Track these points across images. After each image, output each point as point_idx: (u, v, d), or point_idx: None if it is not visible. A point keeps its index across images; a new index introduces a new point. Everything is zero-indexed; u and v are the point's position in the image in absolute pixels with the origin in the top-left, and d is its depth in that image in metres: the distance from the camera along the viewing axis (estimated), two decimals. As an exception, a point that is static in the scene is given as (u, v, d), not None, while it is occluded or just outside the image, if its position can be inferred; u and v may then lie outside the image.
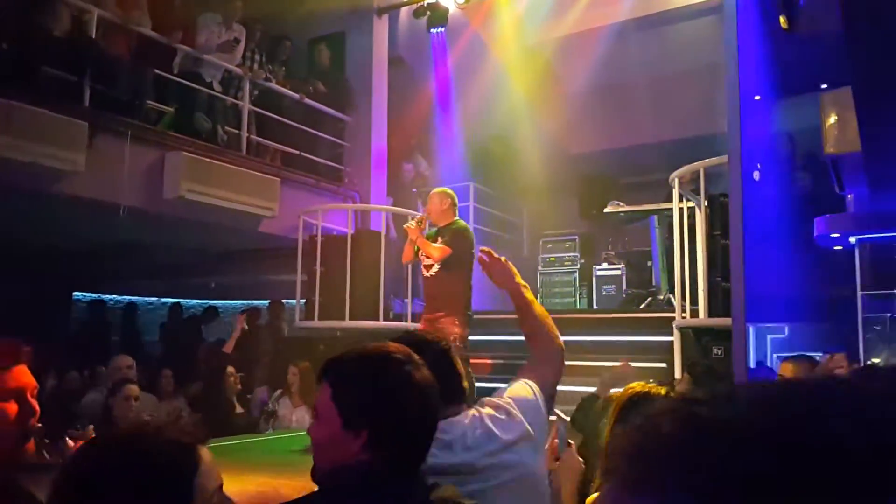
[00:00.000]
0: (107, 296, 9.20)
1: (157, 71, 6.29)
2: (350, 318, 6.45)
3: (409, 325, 6.77)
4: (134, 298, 9.39)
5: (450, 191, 5.39)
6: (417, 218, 5.35)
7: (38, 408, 1.52)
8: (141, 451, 1.02)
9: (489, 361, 6.30)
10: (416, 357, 1.40)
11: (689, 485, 0.33)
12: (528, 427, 1.83)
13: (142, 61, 6.18)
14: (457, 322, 4.97)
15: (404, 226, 5.35)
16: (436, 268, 5.10)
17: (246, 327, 6.21)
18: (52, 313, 8.02)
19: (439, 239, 5.14)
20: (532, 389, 1.96)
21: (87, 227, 6.68)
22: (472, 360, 5.12)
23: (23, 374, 1.52)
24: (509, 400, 1.88)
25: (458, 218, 5.27)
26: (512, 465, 1.76)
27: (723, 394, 0.39)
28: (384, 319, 6.75)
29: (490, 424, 1.78)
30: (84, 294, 9.01)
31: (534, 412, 1.89)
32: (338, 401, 1.33)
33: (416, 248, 5.22)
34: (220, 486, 1.08)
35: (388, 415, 1.32)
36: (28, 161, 4.98)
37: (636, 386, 2.54)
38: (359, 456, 1.31)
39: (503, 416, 1.82)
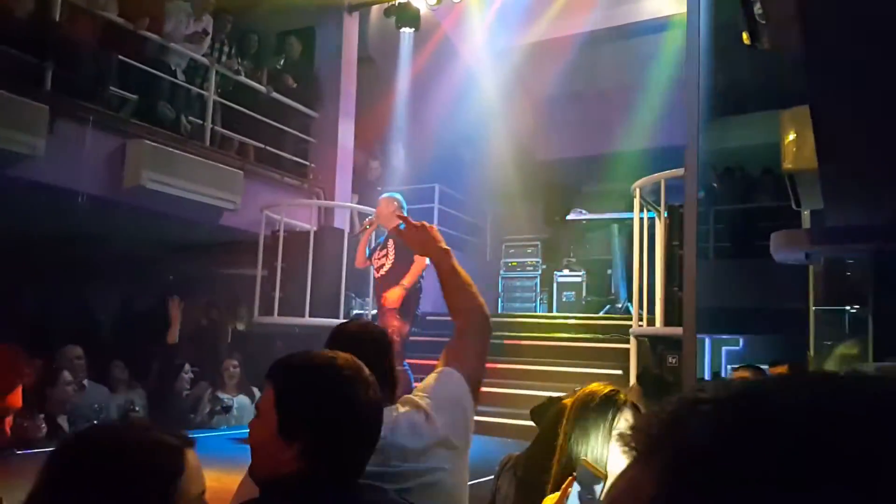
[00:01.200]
0: (57, 286, 8.98)
1: (121, 57, 6.17)
2: (310, 315, 6.41)
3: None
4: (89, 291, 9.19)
5: (397, 195, 5.64)
6: (367, 221, 5.67)
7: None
8: (122, 449, 1.01)
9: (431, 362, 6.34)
10: (366, 373, 1.37)
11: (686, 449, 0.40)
12: (446, 433, 1.76)
13: (106, 47, 6.06)
14: (397, 316, 5.13)
15: (358, 231, 5.77)
16: (387, 267, 5.36)
17: (179, 315, 6.11)
18: (3, 306, 7.80)
19: (390, 242, 5.38)
20: (457, 383, 1.86)
21: (44, 213, 6.51)
22: (409, 361, 5.18)
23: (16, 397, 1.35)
24: (429, 401, 1.80)
25: None
26: (423, 471, 1.70)
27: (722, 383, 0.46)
28: (344, 317, 6.72)
29: (404, 428, 1.72)
30: (37, 286, 8.78)
31: (455, 412, 1.81)
32: (279, 407, 1.30)
33: (367, 251, 5.57)
34: (203, 492, 1.07)
35: (328, 432, 1.29)
36: (-16, 143, 4.85)
37: (593, 387, 2.63)
38: (292, 464, 1.28)
39: (420, 420, 1.75)
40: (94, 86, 5.81)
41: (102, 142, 5.85)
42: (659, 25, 8.26)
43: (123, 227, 7.19)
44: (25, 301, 8.24)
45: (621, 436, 0.45)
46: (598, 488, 1.70)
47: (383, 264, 5.44)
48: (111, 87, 6.08)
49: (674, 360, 4.67)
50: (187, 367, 6.18)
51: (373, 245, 5.74)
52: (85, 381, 5.75)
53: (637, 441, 0.43)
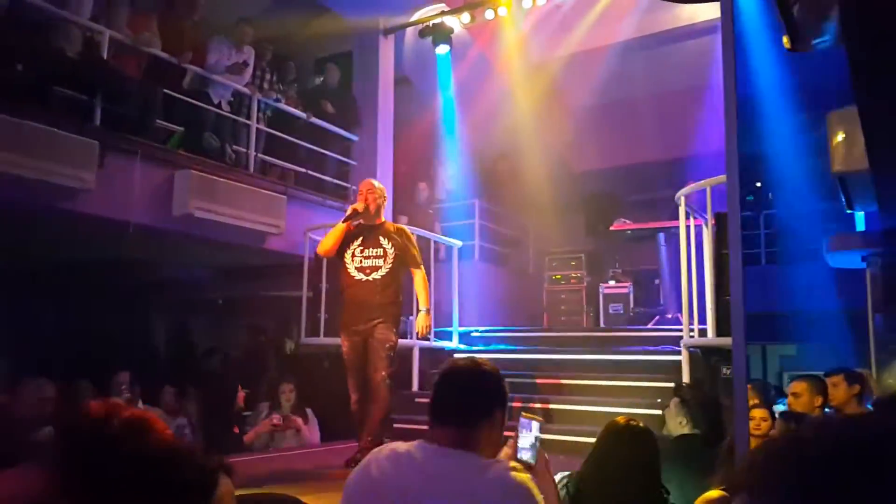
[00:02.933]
0: (113, 313, 9.23)
1: (166, 91, 6.35)
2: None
3: (415, 342, 6.78)
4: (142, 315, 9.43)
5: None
6: (359, 204, 4.80)
7: None
8: (156, 468, 1.03)
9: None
10: None
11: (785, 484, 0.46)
12: None
13: (151, 82, 6.25)
14: (394, 330, 4.67)
15: (346, 216, 4.82)
16: (383, 271, 4.64)
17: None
18: (59, 328, 8.05)
19: (386, 241, 4.71)
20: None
21: (96, 243, 6.72)
22: None
23: None
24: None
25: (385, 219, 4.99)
26: None
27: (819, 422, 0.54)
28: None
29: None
30: (93, 312, 9.05)
31: None
32: None
33: (340, 242, 4.75)
34: None
35: None
36: (40, 179, 5.03)
37: (619, 420, 2.73)
38: None
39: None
40: (142, 119, 5.99)
41: (151, 173, 6.03)
42: (694, 31, 8.17)
43: (173, 253, 7.38)
44: (77, 328, 8.49)
45: (725, 477, 0.50)
46: (536, 426, 1.99)
47: (377, 267, 4.66)
48: (158, 120, 6.26)
49: (728, 371, 4.56)
50: (240, 389, 6.26)
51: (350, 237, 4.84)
52: (140, 405, 5.87)
53: (741, 480, 0.48)
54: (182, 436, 6.10)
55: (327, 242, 4.79)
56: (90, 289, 8.20)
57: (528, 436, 2.01)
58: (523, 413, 2.05)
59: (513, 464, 1.80)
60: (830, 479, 0.43)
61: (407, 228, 4.96)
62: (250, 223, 6.66)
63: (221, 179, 6.46)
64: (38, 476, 1.41)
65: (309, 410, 6.03)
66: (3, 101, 4.92)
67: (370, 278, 4.65)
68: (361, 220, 4.84)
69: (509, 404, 1.99)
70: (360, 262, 4.69)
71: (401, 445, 1.86)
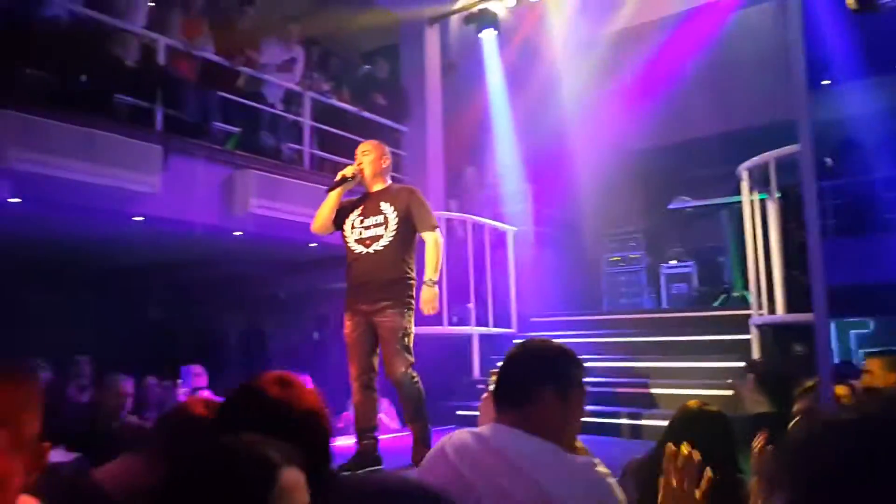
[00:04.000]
0: (182, 310, 9.53)
1: (221, 93, 6.49)
2: (415, 325, 6.49)
3: (474, 328, 6.79)
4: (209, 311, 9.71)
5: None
6: (349, 171, 4.12)
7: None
8: (212, 461, 1.05)
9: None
10: None
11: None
12: None
13: (207, 84, 6.39)
14: (405, 313, 3.91)
15: (334, 182, 4.13)
16: (385, 240, 3.93)
17: None
18: (130, 329, 8.35)
19: (386, 207, 3.99)
20: None
21: (163, 243, 6.95)
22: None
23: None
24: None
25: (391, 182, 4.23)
26: None
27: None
28: (448, 324, 6.78)
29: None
30: (161, 309, 9.36)
31: None
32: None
33: (334, 213, 4.09)
34: None
35: None
36: (109, 185, 5.24)
37: (691, 404, 2.70)
38: None
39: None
40: (201, 122, 6.15)
41: (212, 174, 6.20)
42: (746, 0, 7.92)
43: (235, 251, 7.56)
44: (150, 324, 8.78)
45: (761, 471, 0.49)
46: None
47: (378, 236, 3.94)
48: (215, 122, 6.41)
49: (800, 349, 4.44)
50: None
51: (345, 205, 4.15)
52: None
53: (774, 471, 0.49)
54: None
55: (318, 218, 4.15)
56: (158, 288, 8.47)
57: None
58: None
59: (595, 460, 1.76)
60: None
61: (415, 189, 4.25)
62: (308, 218, 6.75)
63: (279, 177, 6.58)
64: (144, 464, 1.47)
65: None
66: (72, 112, 5.13)
67: (371, 250, 3.93)
68: (364, 188, 4.18)
69: (582, 387, 1.86)
70: (360, 233, 3.99)
71: (472, 430, 1.85)
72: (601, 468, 1.70)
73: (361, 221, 4.02)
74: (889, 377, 4.00)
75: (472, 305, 6.90)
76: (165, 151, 5.64)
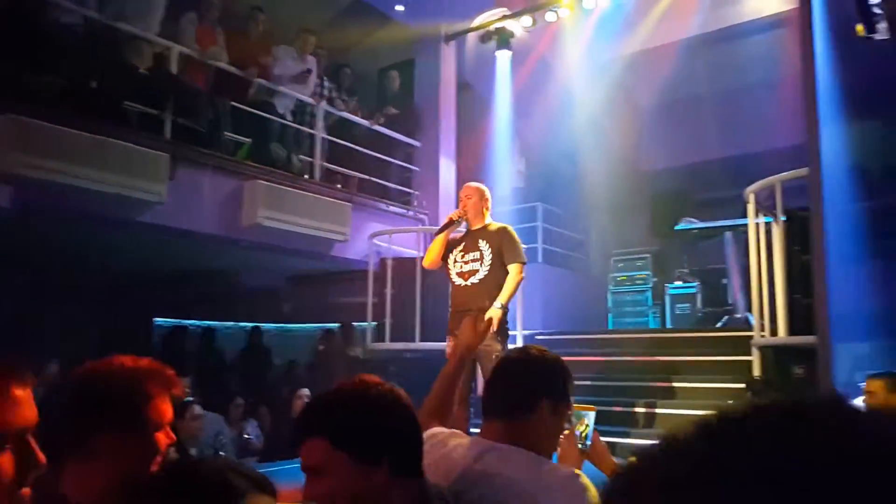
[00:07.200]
0: (186, 321, 9.54)
1: (233, 103, 6.53)
2: (420, 340, 6.50)
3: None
4: (213, 323, 9.71)
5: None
6: (454, 214, 4.62)
7: (41, 456, 1.10)
8: (179, 484, 1.03)
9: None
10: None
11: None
12: None
13: (219, 94, 6.43)
14: (499, 338, 4.33)
15: (442, 225, 4.64)
16: (481, 274, 4.43)
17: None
18: (133, 339, 8.36)
19: (482, 243, 4.50)
20: None
21: (169, 252, 6.96)
22: None
23: (25, 406, 1.09)
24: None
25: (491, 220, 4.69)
26: None
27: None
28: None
29: None
30: (164, 320, 9.38)
31: None
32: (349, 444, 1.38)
33: (444, 250, 4.60)
34: None
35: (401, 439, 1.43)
36: (116, 193, 5.23)
37: None
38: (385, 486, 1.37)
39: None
40: (211, 132, 6.17)
41: (220, 184, 6.22)
42: (758, 27, 7.96)
43: (243, 262, 7.59)
44: (152, 335, 8.78)
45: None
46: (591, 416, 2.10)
47: (475, 271, 4.47)
48: (226, 132, 6.44)
49: (801, 371, 4.41)
50: (304, 391, 6.35)
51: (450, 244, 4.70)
52: (199, 410, 6.00)
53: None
54: (245, 441, 6.25)
55: (429, 256, 4.68)
56: (160, 298, 8.49)
57: (581, 427, 2.04)
58: (574, 405, 2.00)
59: (577, 471, 1.72)
60: None
61: (509, 227, 4.66)
62: (316, 231, 6.80)
63: (288, 189, 6.60)
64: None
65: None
66: (81, 118, 5.13)
67: (469, 283, 4.48)
68: (467, 226, 4.68)
69: (571, 397, 1.87)
70: (461, 267, 4.54)
71: (462, 436, 1.85)
72: (584, 479, 1.69)
73: (462, 256, 4.57)
74: (891, 398, 3.97)
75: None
76: (174, 160, 5.65)
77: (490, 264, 4.44)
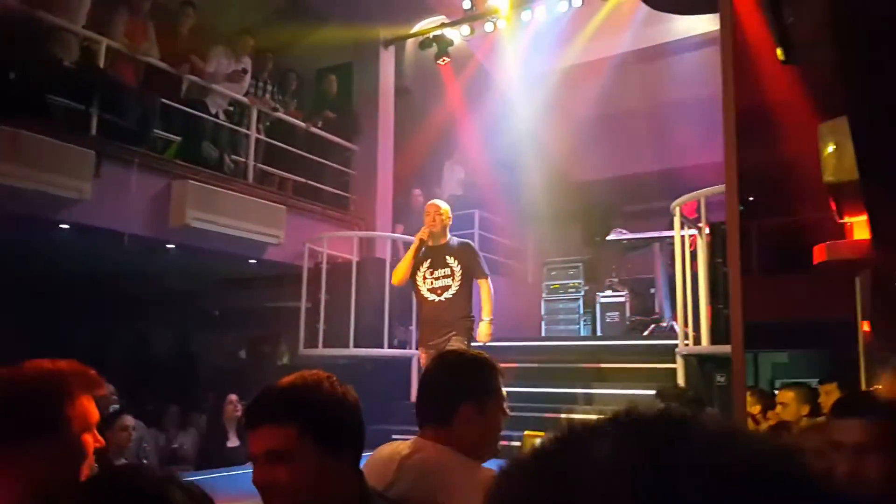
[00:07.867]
0: (110, 325, 9.23)
1: (164, 100, 6.36)
2: (354, 346, 6.46)
3: (415, 351, 6.77)
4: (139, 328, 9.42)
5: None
6: (424, 231, 4.98)
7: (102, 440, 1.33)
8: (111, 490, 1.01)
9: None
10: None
11: None
12: None
13: (149, 90, 6.26)
14: (466, 340, 4.76)
15: (418, 235, 5.01)
16: (453, 290, 4.83)
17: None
18: (54, 343, 8.03)
19: (451, 259, 4.88)
20: None
21: (93, 254, 6.71)
22: None
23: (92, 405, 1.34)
24: None
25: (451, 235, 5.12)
26: None
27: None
28: (388, 347, 6.75)
29: None
30: (88, 323, 9.05)
31: None
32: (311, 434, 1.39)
33: (412, 267, 4.95)
34: None
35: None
36: (35, 189, 5.02)
37: None
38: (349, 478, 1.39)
39: None
40: (139, 129, 5.98)
41: (148, 183, 6.04)
42: (692, 44, 8.21)
43: (170, 264, 7.38)
44: (77, 340, 8.46)
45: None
46: None
47: (448, 286, 4.84)
48: (155, 130, 6.27)
49: (722, 379, 4.57)
50: (233, 398, 6.21)
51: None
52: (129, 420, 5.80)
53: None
54: (176, 450, 6.09)
55: (399, 273, 5.03)
56: (86, 302, 8.18)
57: None
58: (526, 433, 2.07)
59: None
60: None
61: (471, 242, 5.19)
62: (249, 233, 6.67)
63: (219, 189, 6.46)
64: None
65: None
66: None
67: (442, 298, 4.85)
68: (429, 242, 5.00)
69: (502, 390, 1.90)
70: (432, 283, 4.89)
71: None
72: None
73: (432, 273, 4.90)
74: (803, 408, 4.14)
75: (413, 328, 6.88)
76: (99, 157, 5.45)
77: (461, 280, 4.83)
